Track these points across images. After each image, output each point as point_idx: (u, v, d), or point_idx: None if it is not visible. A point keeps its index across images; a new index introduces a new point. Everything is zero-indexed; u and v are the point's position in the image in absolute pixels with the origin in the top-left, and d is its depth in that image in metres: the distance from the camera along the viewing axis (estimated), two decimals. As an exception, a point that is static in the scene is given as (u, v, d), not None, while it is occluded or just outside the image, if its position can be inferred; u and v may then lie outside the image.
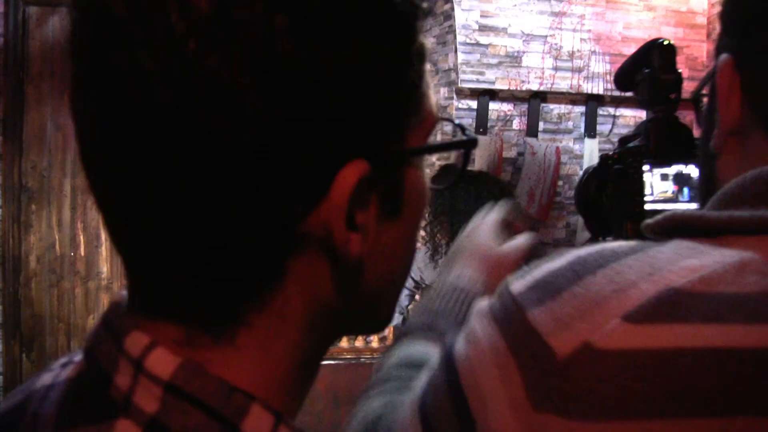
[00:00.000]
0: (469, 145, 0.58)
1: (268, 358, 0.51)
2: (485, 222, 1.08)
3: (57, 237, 4.64)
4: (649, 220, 0.65)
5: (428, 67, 0.54)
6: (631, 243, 0.61)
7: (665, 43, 1.05)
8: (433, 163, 4.41)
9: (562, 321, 0.57)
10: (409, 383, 0.79)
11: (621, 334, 0.55)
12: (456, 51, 4.35)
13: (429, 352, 0.87)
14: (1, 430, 0.53)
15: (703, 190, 0.74)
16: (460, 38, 4.33)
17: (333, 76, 0.46)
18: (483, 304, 0.65)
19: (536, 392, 0.56)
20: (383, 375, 0.90)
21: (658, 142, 1.03)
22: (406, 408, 0.69)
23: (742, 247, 0.58)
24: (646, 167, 1.02)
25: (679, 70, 1.06)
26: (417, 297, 4.35)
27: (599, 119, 4.73)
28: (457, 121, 0.64)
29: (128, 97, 0.45)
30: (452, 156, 4.31)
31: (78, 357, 0.54)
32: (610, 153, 1.08)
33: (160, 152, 0.45)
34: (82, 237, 4.65)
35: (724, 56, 0.68)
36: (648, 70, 1.06)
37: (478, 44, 4.36)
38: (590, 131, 4.79)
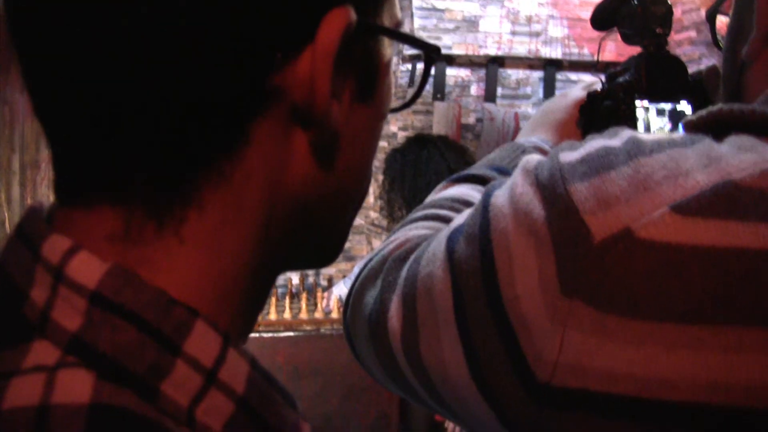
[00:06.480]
0: (434, 51, 0.54)
1: (218, 258, 0.43)
2: (565, 95, 1.05)
3: (6, 215, 4.52)
4: (690, 117, 0.59)
5: None
6: (691, 135, 0.55)
7: (655, -27, 1.00)
8: (395, 133, 4.36)
9: (605, 201, 0.51)
10: (453, 216, 0.73)
11: (668, 225, 0.49)
12: (412, 16, 4.29)
13: (476, 196, 0.81)
14: None
15: None
16: (416, 2, 4.27)
17: None
18: (532, 158, 0.59)
19: (566, 273, 0.51)
20: (432, 202, 0.84)
21: (651, 77, 0.98)
22: (439, 241, 0.63)
23: None
24: (638, 103, 0.97)
25: (669, 3, 1.01)
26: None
27: (557, 84, 4.69)
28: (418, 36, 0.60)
29: None
30: (412, 124, 4.27)
31: None
32: (598, 90, 1.03)
33: None
34: (32, 214, 4.56)
35: None
36: (636, 2, 1.01)
37: (434, 9, 4.31)
38: (548, 96, 4.74)
